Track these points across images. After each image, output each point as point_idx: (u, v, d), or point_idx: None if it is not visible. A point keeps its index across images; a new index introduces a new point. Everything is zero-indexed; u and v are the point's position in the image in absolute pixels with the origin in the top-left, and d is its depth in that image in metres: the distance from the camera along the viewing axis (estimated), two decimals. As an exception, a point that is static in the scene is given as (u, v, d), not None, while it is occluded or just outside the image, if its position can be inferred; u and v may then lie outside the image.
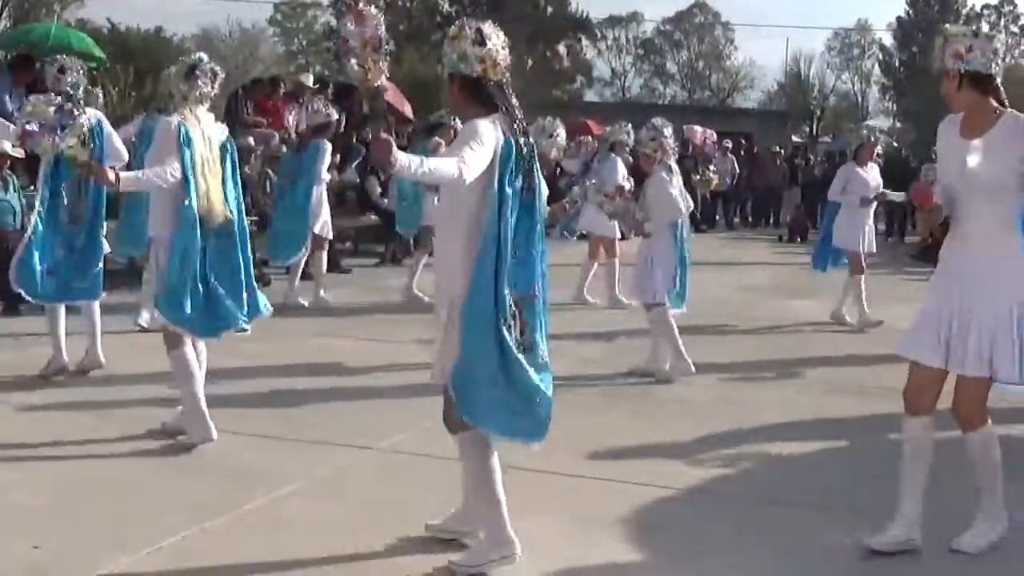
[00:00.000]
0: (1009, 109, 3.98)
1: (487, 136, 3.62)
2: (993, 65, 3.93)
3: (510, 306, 3.67)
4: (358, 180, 13.98)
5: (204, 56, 5.46)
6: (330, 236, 10.13)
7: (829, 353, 8.23)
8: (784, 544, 4.19)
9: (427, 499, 4.49)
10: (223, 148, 5.40)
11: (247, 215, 10.95)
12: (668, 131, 7.28)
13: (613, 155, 10.54)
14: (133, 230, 7.90)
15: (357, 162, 13.89)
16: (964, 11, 52.47)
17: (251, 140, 12.14)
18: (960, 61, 3.92)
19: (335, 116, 10.43)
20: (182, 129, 5.19)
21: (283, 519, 4.30)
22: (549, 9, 50.00)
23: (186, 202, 5.16)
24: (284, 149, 12.44)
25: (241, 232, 5.43)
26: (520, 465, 4.94)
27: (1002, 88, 4.01)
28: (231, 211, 5.36)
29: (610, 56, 57.71)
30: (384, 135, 3.47)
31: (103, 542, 3.97)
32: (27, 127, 5.35)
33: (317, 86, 15.01)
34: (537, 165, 3.85)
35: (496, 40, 3.70)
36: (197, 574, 3.79)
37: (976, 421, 4.06)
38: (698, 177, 11.73)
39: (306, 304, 9.63)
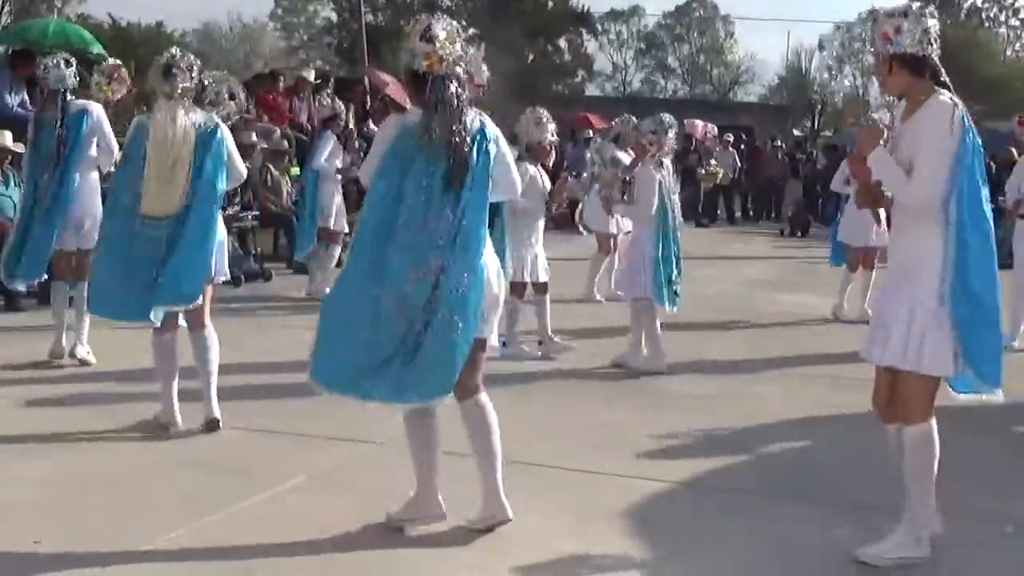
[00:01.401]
0: (942, 93, 3.82)
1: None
2: (926, 46, 3.78)
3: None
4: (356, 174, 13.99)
5: (176, 51, 5.47)
6: (344, 229, 9.91)
7: (830, 347, 8.22)
8: (785, 539, 4.19)
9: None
10: (206, 136, 5.32)
11: (248, 210, 11.07)
12: (672, 132, 7.29)
13: (614, 144, 10.36)
14: None
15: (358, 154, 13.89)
16: (965, 4, 52.47)
17: (252, 135, 12.13)
18: (889, 43, 3.81)
19: (341, 108, 10.45)
20: (140, 129, 5.33)
21: (284, 513, 4.30)
22: (550, 3, 49.96)
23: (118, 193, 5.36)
24: (285, 144, 12.45)
25: (197, 220, 5.28)
26: (520, 459, 4.95)
27: (942, 70, 3.87)
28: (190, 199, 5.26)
29: (611, 50, 57.67)
30: None
31: (103, 537, 3.97)
32: None
33: (318, 81, 15.03)
34: (475, 159, 3.92)
35: (444, 37, 3.90)
36: (198, 568, 3.79)
37: (909, 417, 3.92)
38: (703, 171, 11.73)
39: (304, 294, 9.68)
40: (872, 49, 3.94)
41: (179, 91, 5.28)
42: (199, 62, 5.49)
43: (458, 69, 3.96)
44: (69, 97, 6.71)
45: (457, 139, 3.90)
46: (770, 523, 4.38)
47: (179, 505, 4.32)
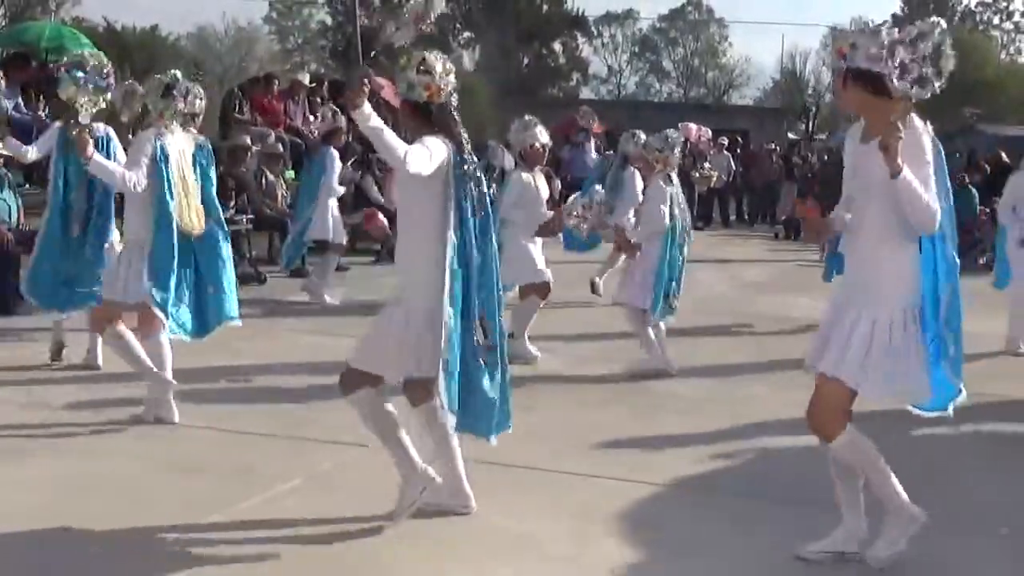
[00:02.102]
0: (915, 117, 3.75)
1: (437, 148, 4.06)
2: (883, 63, 3.69)
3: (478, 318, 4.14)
4: (358, 178, 13.98)
5: (179, 74, 5.67)
6: (342, 241, 10.03)
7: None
8: (779, 540, 4.19)
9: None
10: (195, 156, 5.65)
11: (244, 213, 11.08)
12: (677, 149, 7.32)
13: (631, 169, 10.16)
14: None
15: (353, 160, 13.89)
16: (959, 7, 52.60)
17: (247, 138, 12.14)
18: (843, 59, 3.80)
19: (343, 121, 10.40)
20: (158, 144, 5.46)
21: (281, 516, 4.31)
22: (545, 7, 50.01)
23: (162, 212, 5.46)
24: (280, 147, 12.46)
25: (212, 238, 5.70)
26: (516, 462, 4.96)
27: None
28: (204, 220, 5.64)
29: (606, 53, 57.72)
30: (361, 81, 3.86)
31: (101, 538, 3.97)
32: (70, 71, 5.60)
33: (313, 84, 15.02)
34: (485, 187, 4.25)
35: (440, 69, 4.14)
36: (196, 571, 3.79)
37: (829, 430, 3.88)
38: (697, 175, 11.73)
39: (314, 298, 9.69)
40: (830, 65, 3.96)
41: (171, 112, 5.52)
42: (200, 94, 5.68)
43: (453, 98, 4.21)
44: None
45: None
46: (764, 525, 4.39)
47: (177, 507, 4.32)
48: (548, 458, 5.16)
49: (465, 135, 4.23)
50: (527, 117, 7.75)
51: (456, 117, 4.21)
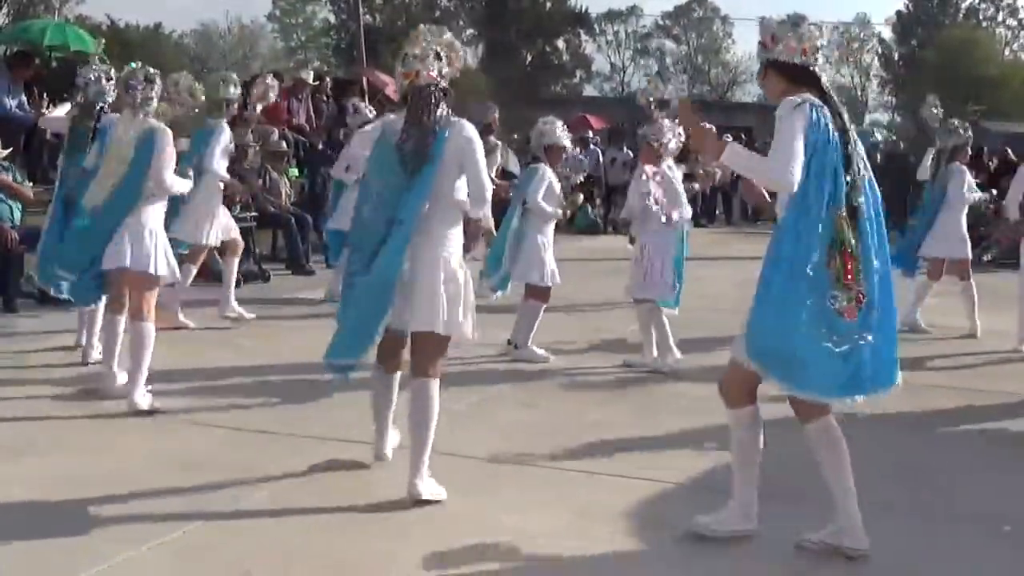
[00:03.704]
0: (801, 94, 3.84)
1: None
2: (799, 55, 3.85)
3: None
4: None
5: (135, 64, 6.14)
6: None
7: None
8: (780, 537, 4.19)
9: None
10: (139, 141, 5.92)
11: (248, 211, 11.04)
12: (672, 134, 7.30)
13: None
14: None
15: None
16: (963, 4, 52.50)
17: (250, 136, 12.14)
18: (765, 50, 3.93)
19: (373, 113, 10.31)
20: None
21: (282, 514, 4.30)
22: (548, 4, 50.00)
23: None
24: (284, 145, 12.45)
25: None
26: (521, 459, 4.96)
27: (822, 79, 3.89)
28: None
29: (609, 51, 57.72)
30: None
31: (103, 537, 3.97)
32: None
33: (316, 83, 15.03)
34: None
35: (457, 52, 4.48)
36: (197, 569, 3.79)
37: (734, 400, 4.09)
38: (700, 172, 11.69)
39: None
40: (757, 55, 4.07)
41: (137, 101, 5.95)
42: (156, 79, 6.09)
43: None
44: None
45: None
46: (767, 522, 4.37)
47: (177, 505, 4.32)
48: (551, 455, 5.15)
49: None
50: (551, 117, 7.86)
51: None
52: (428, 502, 4.35)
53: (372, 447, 4.88)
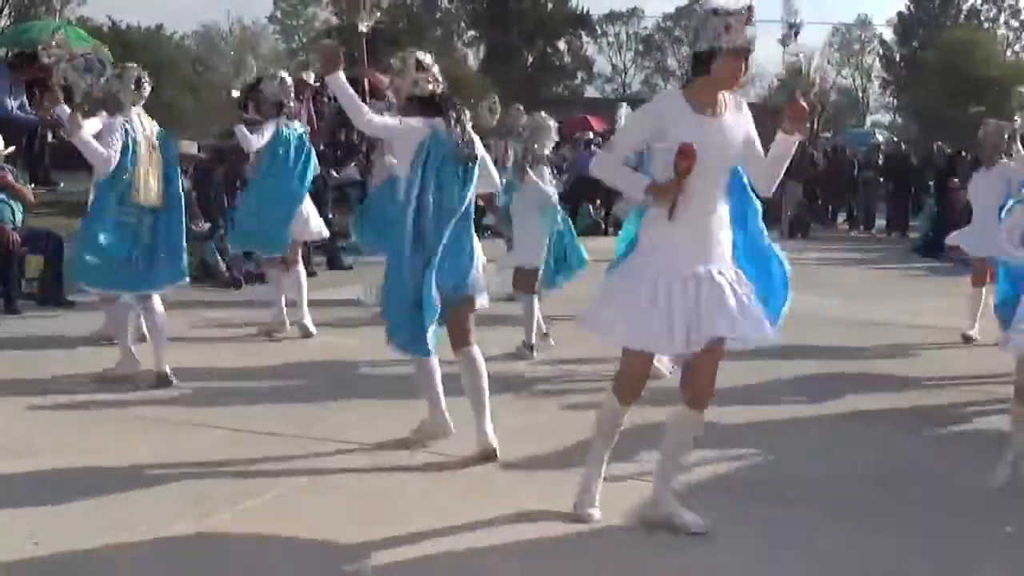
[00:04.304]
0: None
1: (408, 123, 4.84)
2: (703, 43, 3.96)
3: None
4: (358, 177, 14.00)
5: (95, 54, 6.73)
6: None
7: (829, 348, 8.23)
8: (783, 537, 4.20)
9: (428, 491, 4.55)
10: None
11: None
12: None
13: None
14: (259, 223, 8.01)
15: (357, 159, 13.93)
16: (965, 5, 52.47)
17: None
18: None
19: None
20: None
21: (287, 514, 4.31)
22: (549, 5, 50.00)
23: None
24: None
25: None
26: (521, 462, 4.97)
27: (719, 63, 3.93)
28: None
29: (611, 52, 57.71)
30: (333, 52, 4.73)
31: (106, 536, 3.97)
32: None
33: (318, 84, 15.02)
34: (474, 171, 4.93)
35: (430, 61, 4.99)
36: (200, 569, 3.80)
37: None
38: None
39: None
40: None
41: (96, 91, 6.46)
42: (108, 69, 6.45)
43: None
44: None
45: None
46: (769, 522, 4.39)
47: (181, 505, 4.33)
48: (552, 456, 5.16)
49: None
50: (543, 114, 8.09)
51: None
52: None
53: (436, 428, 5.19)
